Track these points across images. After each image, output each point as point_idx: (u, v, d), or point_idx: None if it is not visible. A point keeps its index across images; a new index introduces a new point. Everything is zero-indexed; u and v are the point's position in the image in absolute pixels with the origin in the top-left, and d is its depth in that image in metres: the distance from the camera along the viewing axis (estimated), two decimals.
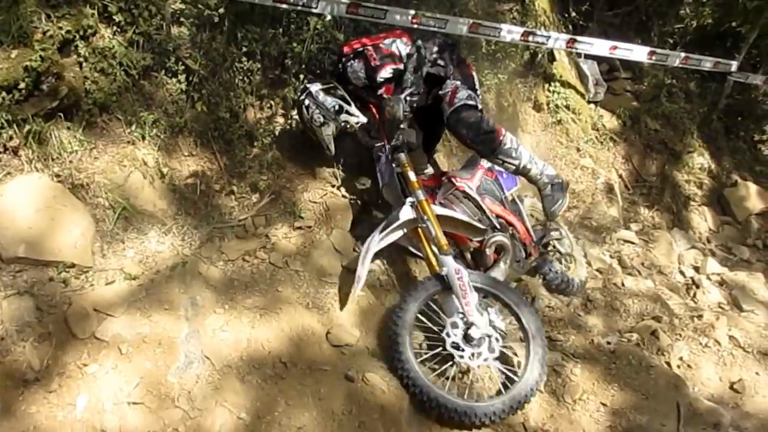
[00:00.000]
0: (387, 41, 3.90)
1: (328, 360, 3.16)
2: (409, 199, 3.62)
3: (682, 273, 5.43)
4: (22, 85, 3.09)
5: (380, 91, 3.90)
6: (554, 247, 4.50)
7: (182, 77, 3.78)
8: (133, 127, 3.59)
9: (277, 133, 4.18)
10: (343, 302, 3.48)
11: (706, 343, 4.22)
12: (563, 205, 3.86)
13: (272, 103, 4.22)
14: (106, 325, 2.88)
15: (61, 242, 3.03)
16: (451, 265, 3.38)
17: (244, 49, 4.03)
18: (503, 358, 3.39)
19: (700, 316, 4.44)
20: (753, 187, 6.96)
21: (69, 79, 3.35)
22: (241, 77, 4.04)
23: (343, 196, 4.06)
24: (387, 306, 3.63)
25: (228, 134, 3.96)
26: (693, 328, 4.33)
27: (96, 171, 3.38)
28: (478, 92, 3.99)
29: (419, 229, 3.62)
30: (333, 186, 4.07)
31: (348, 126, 3.85)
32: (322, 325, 3.33)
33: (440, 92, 3.83)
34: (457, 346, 3.26)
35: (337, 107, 3.78)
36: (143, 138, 3.61)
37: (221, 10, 3.90)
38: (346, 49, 3.99)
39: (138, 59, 3.64)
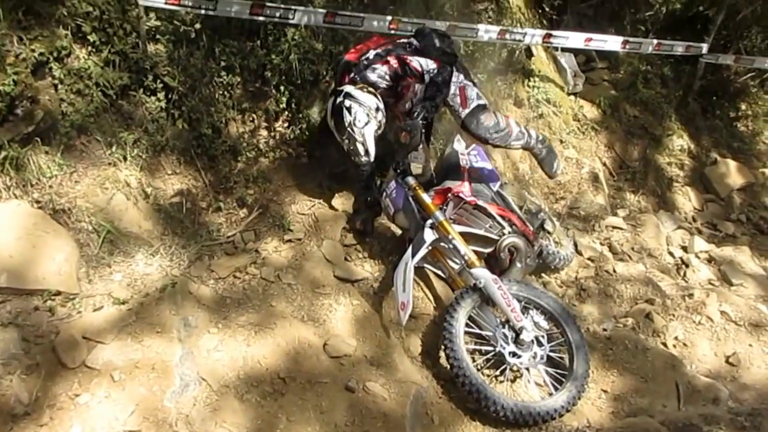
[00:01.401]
0: (410, 57, 3.84)
1: (327, 372, 3.12)
2: (429, 222, 3.65)
3: (671, 254, 5.49)
4: None
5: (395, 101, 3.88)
6: (544, 228, 4.52)
7: (161, 95, 3.73)
8: (114, 148, 3.53)
9: (261, 146, 4.14)
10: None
11: (699, 321, 4.27)
12: (559, 161, 4.18)
13: (254, 116, 4.18)
14: (96, 352, 2.81)
15: (45, 270, 2.96)
16: (488, 277, 3.45)
17: (223, 64, 3.99)
18: (551, 358, 3.48)
19: (691, 295, 4.49)
20: (732, 164, 7.08)
21: (44, 102, 3.30)
22: (221, 92, 4.00)
23: (331, 207, 4.03)
24: (382, 314, 3.60)
25: (211, 150, 3.91)
26: (685, 307, 4.38)
27: (77, 195, 3.33)
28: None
29: (437, 249, 3.71)
30: (321, 197, 4.03)
31: (380, 127, 3.74)
32: (319, 337, 3.29)
33: (449, 95, 3.90)
34: (513, 354, 3.37)
35: (375, 105, 3.67)
36: (124, 158, 3.55)
37: (197, 26, 3.87)
38: (351, 58, 3.90)
39: (115, 79, 3.58)
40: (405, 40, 4.01)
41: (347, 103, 3.61)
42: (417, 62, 3.82)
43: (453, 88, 3.90)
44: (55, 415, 2.59)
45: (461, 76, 3.95)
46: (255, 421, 2.80)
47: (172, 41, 3.88)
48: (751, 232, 6.34)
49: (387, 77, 3.77)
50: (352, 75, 3.79)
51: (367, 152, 3.69)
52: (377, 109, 3.66)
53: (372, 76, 3.75)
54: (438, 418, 3.21)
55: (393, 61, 3.78)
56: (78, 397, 2.66)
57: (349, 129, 3.62)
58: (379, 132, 3.74)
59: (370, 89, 3.70)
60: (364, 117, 3.61)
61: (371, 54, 3.85)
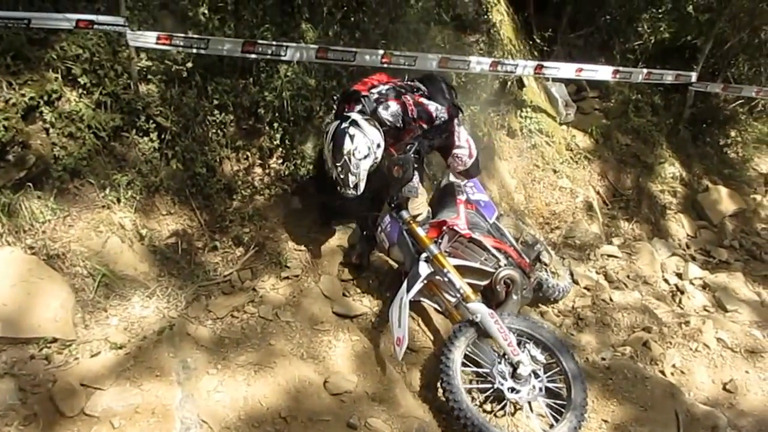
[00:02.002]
0: (425, 101, 3.82)
1: (329, 409, 3.07)
2: (424, 255, 3.64)
3: (666, 281, 5.52)
4: None
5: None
6: (541, 260, 4.52)
7: (154, 135, 3.73)
8: (107, 191, 3.52)
9: (256, 183, 4.14)
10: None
11: (696, 348, 4.28)
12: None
13: (248, 153, 4.18)
14: (95, 399, 2.76)
15: (40, 317, 2.92)
16: (484, 311, 3.44)
17: (216, 102, 4.01)
18: (549, 389, 3.46)
19: (687, 322, 4.51)
20: (724, 190, 7.16)
21: (36, 146, 3.29)
22: (214, 131, 4.01)
23: (328, 243, 4.02)
24: (382, 349, 3.57)
25: (206, 189, 3.91)
26: (682, 334, 4.39)
27: (71, 239, 3.30)
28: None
29: (433, 282, 3.70)
30: (317, 233, 4.03)
31: (375, 164, 3.64)
32: (319, 374, 3.26)
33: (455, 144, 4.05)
34: (512, 389, 3.35)
35: (378, 142, 3.58)
36: (118, 201, 3.54)
37: (189, 65, 3.88)
38: (359, 88, 3.82)
39: (107, 120, 3.59)
40: (412, 83, 3.99)
41: (352, 131, 3.49)
42: (433, 107, 3.77)
43: (461, 140, 4.02)
44: None
45: (464, 128, 4.07)
46: None
47: (164, 81, 3.90)
48: (744, 258, 6.38)
49: (398, 118, 3.69)
50: (361, 107, 3.70)
51: (356, 186, 3.58)
52: (378, 146, 3.58)
53: (384, 113, 3.66)
54: None
55: (409, 102, 3.72)
56: None
57: (346, 157, 3.49)
58: (373, 168, 3.67)
59: (376, 124, 3.63)
60: (365, 149, 3.50)
61: (383, 89, 3.80)
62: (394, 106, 3.68)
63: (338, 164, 3.52)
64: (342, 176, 3.54)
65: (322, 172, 3.88)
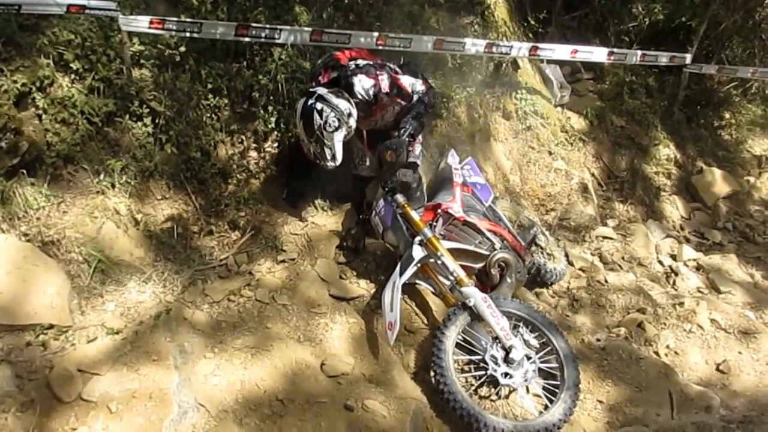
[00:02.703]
0: (400, 77, 3.86)
1: (326, 392, 3.09)
2: (418, 238, 3.64)
3: (660, 262, 5.55)
4: None
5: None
6: (537, 243, 4.54)
7: (148, 120, 3.71)
8: (102, 176, 3.51)
9: (251, 167, 4.13)
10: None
11: (690, 329, 4.32)
12: None
13: (243, 137, 4.17)
14: (92, 384, 2.77)
15: (36, 304, 2.92)
16: (477, 295, 3.44)
17: (210, 86, 3.98)
18: (542, 370, 3.47)
19: (681, 303, 4.54)
20: (718, 172, 7.16)
21: (29, 133, 3.26)
22: (208, 115, 3.99)
23: (324, 226, 4.01)
24: (379, 331, 3.58)
25: (201, 174, 3.90)
26: (676, 315, 4.42)
27: (66, 225, 3.29)
28: None
29: (427, 266, 3.69)
30: (313, 216, 4.02)
31: (349, 133, 3.72)
32: (316, 357, 3.27)
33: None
34: (506, 374, 3.35)
35: (348, 111, 3.64)
36: (113, 186, 3.52)
37: (182, 49, 3.85)
38: (339, 57, 3.91)
39: (100, 106, 3.56)
40: (392, 65, 4.02)
41: (319, 106, 3.57)
42: (407, 80, 3.84)
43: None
44: None
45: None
46: None
47: (157, 65, 3.87)
48: (737, 240, 6.41)
49: (370, 93, 3.76)
50: (335, 75, 3.79)
51: (333, 157, 3.67)
52: (349, 115, 3.64)
53: (356, 87, 3.73)
54: None
55: (383, 80, 3.78)
56: (75, 431, 2.61)
57: (318, 132, 3.59)
58: (348, 138, 3.73)
59: (345, 94, 3.67)
60: (335, 122, 3.58)
61: (361, 63, 3.84)
62: (366, 80, 3.75)
63: (312, 140, 3.64)
64: (318, 151, 3.66)
65: (290, 154, 3.98)
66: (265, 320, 3.36)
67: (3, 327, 2.82)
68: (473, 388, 3.40)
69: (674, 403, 3.66)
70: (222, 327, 3.26)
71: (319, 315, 3.51)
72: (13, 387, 2.66)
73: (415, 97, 3.83)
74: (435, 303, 3.88)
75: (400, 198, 3.76)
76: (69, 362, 2.82)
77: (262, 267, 3.70)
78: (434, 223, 3.79)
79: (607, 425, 3.51)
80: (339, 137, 3.63)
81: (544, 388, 3.43)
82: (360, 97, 3.74)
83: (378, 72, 3.80)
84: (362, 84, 3.74)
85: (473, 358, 3.45)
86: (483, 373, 3.39)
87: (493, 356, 3.38)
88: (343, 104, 3.61)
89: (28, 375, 2.72)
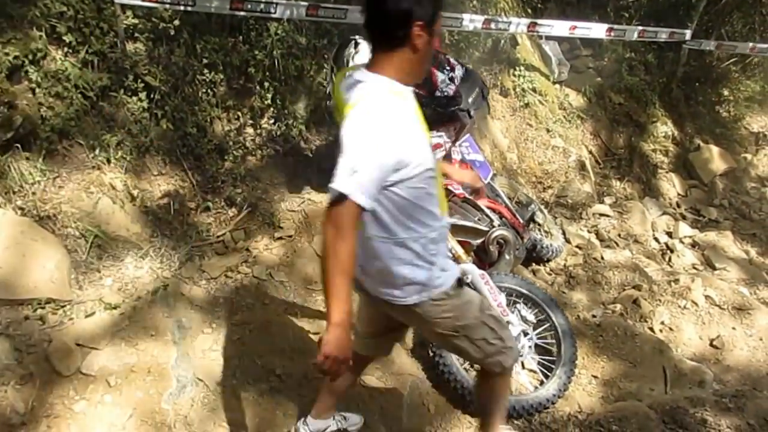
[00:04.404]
0: (438, 72, 3.71)
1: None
2: None
3: (656, 239, 5.60)
4: None
5: None
6: (534, 220, 4.55)
7: (143, 95, 3.67)
8: (97, 151, 3.48)
9: (248, 144, 4.10)
10: None
11: (685, 305, 4.35)
12: None
13: (239, 113, 4.13)
14: (90, 358, 2.79)
15: (36, 278, 2.91)
16: (474, 271, 3.40)
17: (205, 61, 3.93)
18: (538, 345, 3.50)
19: (676, 280, 4.57)
20: (715, 149, 7.16)
21: (22, 107, 3.22)
22: (204, 90, 3.94)
23: (321, 203, 4.00)
24: None
25: (197, 149, 3.87)
26: (671, 292, 4.45)
27: (62, 200, 3.27)
28: None
29: None
30: (310, 193, 4.01)
31: None
32: (313, 333, 3.29)
33: None
34: None
35: None
36: (108, 161, 3.50)
37: (177, 22, 3.79)
38: None
39: (94, 80, 3.52)
40: (448, 57, 3.86)
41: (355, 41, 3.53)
42: (440, 78, 3.69)
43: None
44: (52, 423, 2.57)
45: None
46: (253, 419, 2.80)
47: (151, 39, 3.82)
48: (733, 217, 6.43)
49: None
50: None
51: None
52: None
53: None
54: (434, 408, 3.23)
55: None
56: (74, 404, 2.64)
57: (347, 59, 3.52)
58: None
59: None
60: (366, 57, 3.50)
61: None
62: None
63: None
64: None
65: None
66: (262, 297, 3.37)
67: (2, 301, 2.82)
68: (468, 363, 3.43)
69: (668, 378, 3.71)
70: (220, 303, 3.28)
71: (317, 292, 3.52)
72: (12, 360, 2.67)
73: (438, 94, 3.71)
74: None
75: None
76: (67, 336, 2.83)
77: (260, 244, 3.70)
78: None
79: (601, 400, 3.55)
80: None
81: (539, 364, 3.46)
82: None
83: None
84: None
85: None
86: None
87: None
88: None
89: (27, 348, 2.72)
